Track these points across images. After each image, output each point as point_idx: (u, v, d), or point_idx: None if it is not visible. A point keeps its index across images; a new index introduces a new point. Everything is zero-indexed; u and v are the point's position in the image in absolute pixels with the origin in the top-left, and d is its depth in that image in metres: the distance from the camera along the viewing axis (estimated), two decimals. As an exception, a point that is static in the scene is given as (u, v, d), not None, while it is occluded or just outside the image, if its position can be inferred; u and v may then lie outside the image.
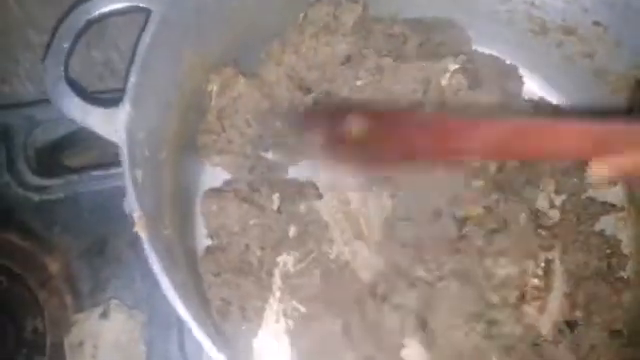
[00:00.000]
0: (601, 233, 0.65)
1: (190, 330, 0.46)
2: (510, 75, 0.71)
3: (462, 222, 0.62)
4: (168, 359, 0.62)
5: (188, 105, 0.61)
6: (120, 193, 0.49)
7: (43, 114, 0.68)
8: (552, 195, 0.67)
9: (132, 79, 0.51)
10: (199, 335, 0.46)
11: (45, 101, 0.56)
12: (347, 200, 0.66)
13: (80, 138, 0.69)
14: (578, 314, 0.59)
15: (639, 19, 0.61)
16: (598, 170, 0.45)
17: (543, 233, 0.64)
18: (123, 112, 0.50)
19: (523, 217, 0.62)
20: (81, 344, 0.62)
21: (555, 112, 0.69)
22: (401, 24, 0.70)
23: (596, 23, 0.65)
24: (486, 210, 0.63)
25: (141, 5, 0.53)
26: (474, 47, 0.72)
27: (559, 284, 0.59)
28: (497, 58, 0.72)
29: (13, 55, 0.74)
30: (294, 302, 0.61)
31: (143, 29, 0.52)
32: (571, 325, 0.59)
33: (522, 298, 0.59)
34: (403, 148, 0.53)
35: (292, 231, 0.64)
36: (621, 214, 0.67)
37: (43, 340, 0.62)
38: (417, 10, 0.72)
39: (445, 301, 0.58)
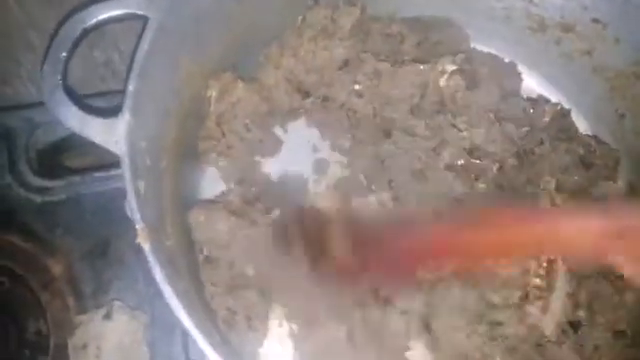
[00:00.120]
0: (602, 231, 0.65)
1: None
2: (509, 72, 0.71)
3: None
4: (171, 360, 0.62)
5: (187, 112, 0.60)
6: (122, 195, 0.49)
7: (44, 115, 0.67)
8: (553, 194, 0.67)
9: (130, 87, 0.51)
10: (203, 345, 0.46)
11: (46, 102, 0.56)
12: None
13: (82, 139, 0.67)
14: (581, 314, 0.59)
15: (638, 16, 0.61)
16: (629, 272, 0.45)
17: (544, 232, 0.64)
18: (122, 122, 0.50)
19: (524, 217, 0.62)
20: (85, 346, 0.62)
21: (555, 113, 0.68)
22: (399, 23, 0.70)
23: (595, 20, 0.64)
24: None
25: (138, 12, 0.53)
26: (472, 45, 0.72)
27: (561, 284, 0.59)
28: (495, 56, 0.72)
29: (14, 56, 0.74)
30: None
31: (140, 36, 0.52)
32: (575, 326, 0.59)
33: (524, 298, 0.59)
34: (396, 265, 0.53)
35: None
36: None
37: (46, 342, 0.62)
38: (415, 9, 0.71)
39: (446, 302, 0.58)
